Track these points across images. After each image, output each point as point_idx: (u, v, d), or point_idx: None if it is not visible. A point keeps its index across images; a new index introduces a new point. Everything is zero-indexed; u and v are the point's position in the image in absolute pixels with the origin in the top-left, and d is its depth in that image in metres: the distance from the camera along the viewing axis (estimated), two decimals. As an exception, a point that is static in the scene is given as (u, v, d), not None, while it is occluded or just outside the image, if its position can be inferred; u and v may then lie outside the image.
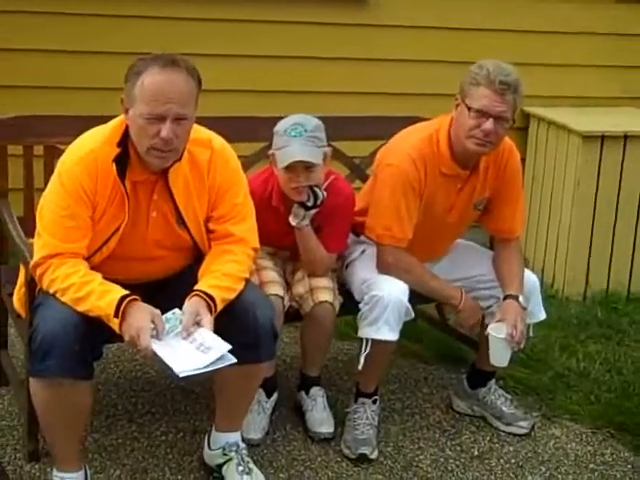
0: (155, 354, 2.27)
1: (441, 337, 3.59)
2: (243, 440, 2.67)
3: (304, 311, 2.86)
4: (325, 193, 2.79)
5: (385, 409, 3.09)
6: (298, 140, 2.72)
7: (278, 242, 2.94)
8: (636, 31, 4.63)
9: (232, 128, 2.90)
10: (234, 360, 2.29)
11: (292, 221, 2.80)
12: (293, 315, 2.89)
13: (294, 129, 2.74)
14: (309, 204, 2.77)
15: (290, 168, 2.73)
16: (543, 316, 3.04)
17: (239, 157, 2.62)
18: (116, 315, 2.27)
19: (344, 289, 2.95)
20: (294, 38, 4.24)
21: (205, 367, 2.27)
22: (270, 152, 2.84)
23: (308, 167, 2.74)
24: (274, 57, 4.21)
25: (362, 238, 2.97)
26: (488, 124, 2.68)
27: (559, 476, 2.80)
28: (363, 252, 2.97)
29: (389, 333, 2.73)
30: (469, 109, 2.69)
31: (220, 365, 2.28)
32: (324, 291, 2.85)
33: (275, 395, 2.99)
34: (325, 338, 2.92)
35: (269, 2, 4.20)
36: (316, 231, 2.87)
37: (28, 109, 3.14)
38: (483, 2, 4.45)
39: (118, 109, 2.39)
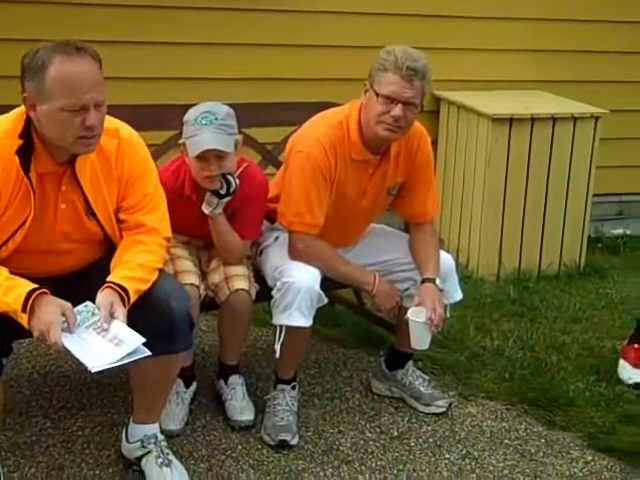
0: (66, 349, 2.22)
1: (360, 321, 3.62)
2: (162, 431, 2.64)
3: (220, 300, 2.84)
4: (238, 181, 2.77)
5: (305, 394, 3.10)
6: (209, 128, 2.69)
7: (192, 231, 2.91)
8: (549, 16, 4.72)
9: (141, 116, 2.86)
10: (148, 353, 2.25)
11: (205, 209, 2.77)
12: (210, 304, 2.87)
13: (204, 117, 2.70)
14: (222, 192, 2.75)
15: (202, 157, 2.70)
16: (460, 296, 3.08)
17: (148, 146, 2.57)
18: (24, 310, 2.21)
19: (259, 276, 2.94)
20: (201, 24, 4.16)
21: (118, 361, 2.22)
22: (180, 141, 2.80)
23: (220, 155, 2.71)
24: (183, 44, 4.13)
25: (276, 225, 2.97)
26: (397, 110, 2.70)
27: (475, 453, 2.86)
28: (277, 239, 2.97)
29: (302, 319, 2.74)
30: (377, 95, 2.70)
31: (134, 358, 2.24)
32: (239, 279, 2.83)
33: (194, 385, 2.97)
34: (242, 326, 2.91)
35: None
36: (229, 219, 2.85)
37: None
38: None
39: (16, 99, 2.30)
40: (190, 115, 2.75)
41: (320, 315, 2.84)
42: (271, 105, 3.50)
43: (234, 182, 2.75)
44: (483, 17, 4.66)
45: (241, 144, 2.83)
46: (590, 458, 2.88)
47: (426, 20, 4.53)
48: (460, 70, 4.65)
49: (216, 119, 2.71)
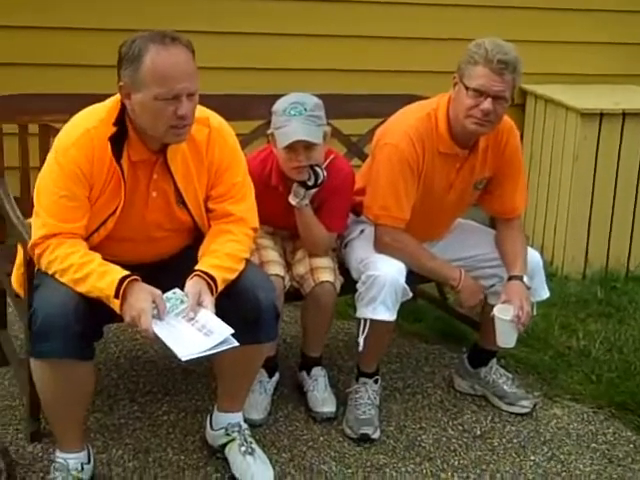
0: (156, 336, 2.25)
1: (442, 316, 3.58)
2: (245, 420, 2.66)
3: (305, 291, 2.84)
4: (325, 172, 2.76)
5: (387, 388, 3.09)
6: (298, 119, 2.69)
7: (277, 222, 2.91)
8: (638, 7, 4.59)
9: (228, 106, 2.87)
10: (236, 344, 2.27)
11: (292, 200, 2.78)
12: (293, 295, 2.87)
13: (293, 108, 2.70)
14: (309, 183, 2.74)
15: (290, 148, 2.70)
16: (547, 295, 3.02)
17: (236, 135, 2.58)
18: (116, 296, 2.25)
19: (343, 268, 2.92)
20: (289, 15, 4.18)
21: (207, 350, 2.24)
22: (269, 132, 2.81)
23: (308, 146, 2.71)
24: (271, 34, 4.15)
25: (362, 218, 2.95)
26: (486, 104, 2.65)
27: (561, 456, 2.80)
28: (362, 232, 2.95)
29: (386, 313, 2.72)
30: (467, 88, 2.66)
31: (222, 348, 2.26)
32: (325, 271, 2.83)
33: (277, 375, 2.98)
34: (326, 318, 2.90)
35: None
36: (316, 211, 2.85)
37: (22, 87, 3.09)
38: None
39: (113, 87, 2.34)
40: (279, 106, 2.75)
41: (402, 309, 2.82)
42: (357, 97, 3.48)
43: (322, 174, 2.75)
44: (572, 9, 4.56)
45: (329, 135, 2.82)
46: (682, 466, 2.79)
47: (515, 12, 4.47)
48: (548, 63, 4.56)
49: (305, 110, 2.70)
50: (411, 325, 3.54)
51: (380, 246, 2.82)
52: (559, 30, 4.55)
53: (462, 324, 3.43)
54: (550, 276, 3.87)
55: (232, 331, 2.27)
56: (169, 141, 2.36)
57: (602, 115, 4.08)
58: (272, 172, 2.83)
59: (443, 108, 2.79)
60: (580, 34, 4.60)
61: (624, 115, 4.09)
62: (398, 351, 3.38)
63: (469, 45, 2.69)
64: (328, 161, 2.81)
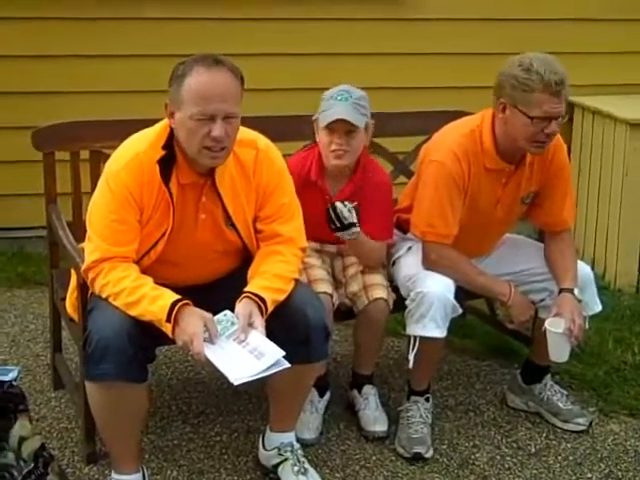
0: (209, 360, 2.27)
1: (492, 332, 3.54)
2: (297, 440, 2.67)
3: (358, 308, 2.84)
4: (354, 212, 2.68)
5: (438, 406, 3.07)
6: (343, 103, 2.76)
7: (321, 227, 2.87)
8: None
9: (276, 127, 2.91)
10: (288, 365, 2.28)
11: (343, 237, 2.74)
12: (344, 313, 2.88)
13: (340, 95, 2.79)
14: (333, 227, 2.70)
15: (331, 129, 2.75)
16: (599, 308, 2.98)
17: (284, 156, 2.61)
18: (168, 320, 2.28)
19: (392, 286, 2.92)
20: (334, 35, 4.24)
21: (259, 373, 2.26)
22: (314, 117, 2.85)
23: (349, 132, 2.76)
24: (315, 55, 4.21)
25: (409, 235, 2.95)
26: (553, 126, 2.64)
27: (619, 473, 2.75)
28: (409, 249, 2.95)
29: (436, 330, 2.71)
30: (529, 117, 2.62)
31: (274, 370, 2.27)
32: (378, 288, 2.83)
33: (328, 394, 2.98)
34: (379, 335, 2.91)
35: (309, 0, 4.19)
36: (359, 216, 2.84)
37: (72, 114, 3.17)
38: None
39: (162, 112, 2.40)
40: (328, 93, 2.83)
41: (452, 326, 2.80)
42: (402, 114, 3.48)
43: (347, 212, 2.67)
44: (617, 19, 4.51)
45: (372, 130, 2.86)
46: None
47: (558, 24, 4.45)
48: (595, 74, 4.52)
49: (351, 97, 2.78)
50: (461, 341, 3.52)
51: (428, 263, 2.82)
52: (604, 40, 4.51)
53: (513, 340, 3.40)
54: (602, 290, 3.82)
55: (283, 353, 2.28)
56: (203, 163, 2.38)
57: (652, 125, 4.03)
58: (312, 166, 2.86)
59: (488, 124, 2.78)
60: (626, 44, 4.54)
61: (675, 125, 4.04)
62: (449, 368, 3.36)
63: (511, 68, 2.64)
64: (364, 160, 2.85)
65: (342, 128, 2.75)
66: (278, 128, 2.95)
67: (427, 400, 2.91)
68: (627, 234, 4.12)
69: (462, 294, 2.84)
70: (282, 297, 2.44)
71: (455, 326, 3.04)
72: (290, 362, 2.29)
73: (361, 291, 2.83)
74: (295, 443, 2.64)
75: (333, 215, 2.68)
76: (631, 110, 4.19)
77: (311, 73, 4.17)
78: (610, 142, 4.20)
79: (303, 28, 4.19)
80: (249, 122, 2.50)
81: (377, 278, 2.86)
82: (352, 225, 2.69)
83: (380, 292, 2.81)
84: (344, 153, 2.78)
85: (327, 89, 2.93)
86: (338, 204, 2.68)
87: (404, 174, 3.42)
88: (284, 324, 2.40)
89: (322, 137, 2.80)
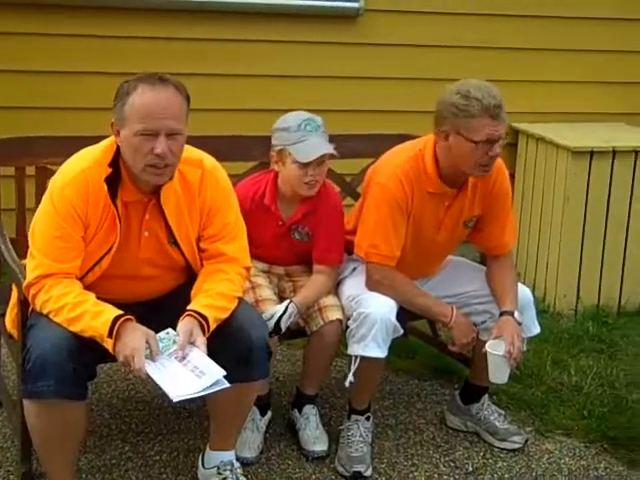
0: (149, 376, 2.27)
1: (434, 353, 3.59)
2: (237, 459, 2.67)
3: (311, 329, 2.86)
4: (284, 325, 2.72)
5: (379, 425, 3.10)
6: (315, 134, 2.80)
7: (271, 251, 2.95)
8: (630, 47, 4.67)
9: (223, 147, 2.93)
10: (228, 385, 2.29)
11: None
12: (292, 333, 2.88)
13: (308, 124, 2.81)
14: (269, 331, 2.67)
15: (305, 163, 2.78)
16: (537, 330, 3.04)
17: (229, 176, 2.63)
18: (110, 335, 2.27)
19: (336, 306, 2.95)
20: (284, 57, 4.29)
21: (199, 392, 2.26)
22: (278, 148, 2.85)
23: (320, 162, 2.81)
24: (265, 76, 4.25)
25: (354, 256, 2.98)
26: (496, 149, 2.69)
27: (553, 491, 2.82)
28: (354, 270, 2.99)
29: (377, 350, 2.74)
30: (474, 142, 2.67)
31: (214, 389, 2.28)
32: (334, 309, 2.86)
33: (269, 413, 2.99)
34: (330, 356, 2.93)
35: (261, 21, 4.24)
36: (310, 239, 2.92)
37: (19, 130, 3.16)
38: (469, 20, 4.48)
39: (109, 129, 2.40)
40: (290, 122, 2.83)
41: (394, 346, 2.84)
42: (349, 137, 3.52)
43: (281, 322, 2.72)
44: (563, 49, 4.64)
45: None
46: (673, 501, 2.80)
47: (504, 52, 4.55)
48: (539, 102, 4.64)
49: (319, 126, 2.82)
50: (403, 362, 3.56)
51: (371, 284, 2.86)
52: (549, 70, 4.63)
53: (454, 361, 3.44)
54: (542, 313, 3.92)
55: (224, 373, 2.29)
56: (148, 180, 2.38)
57: (592, 153, 4.12)
58: (266, 192, 2.89)
59: (430, 148, 2.83)
60: (570, 74, 4.68)
61: (614, 153, 4.14)
62: (390, 388, 3.39)
63: (450, 96, 2.69)
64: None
65: (317, 160, 2.79)
66: (225, 148, 2.98)
67: (367, 419, 2.94)
68: (567, 258, 4.21)
69: (404, 315, 2.88)
70: (225, 315, 2.45)
71: (397, 347, 3.09)
72: (231, 380, 2.30)
73: (316, 312, 2.85)
74: (235, 462, 2.64)
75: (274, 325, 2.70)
76: (573, 137, 4.29)
77: (260, 94, 4.21)
78: (552, 168, 4.30)
79: (252, 49, 4.23)
80: (195, 142, 2.53)
81: (331, 299, 2.90)
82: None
83: (336, 313, 2.84)
84: (316, 183, 2.83)
85: (276, 111, 2.96)
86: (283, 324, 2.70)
87: (351, 196, 3.46)
88: (226, 342, 2.41)
89: (293, 169, 2.81)
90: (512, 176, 4.44)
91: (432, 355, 3.59)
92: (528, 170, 4.53)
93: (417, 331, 3.62)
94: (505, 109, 2.70)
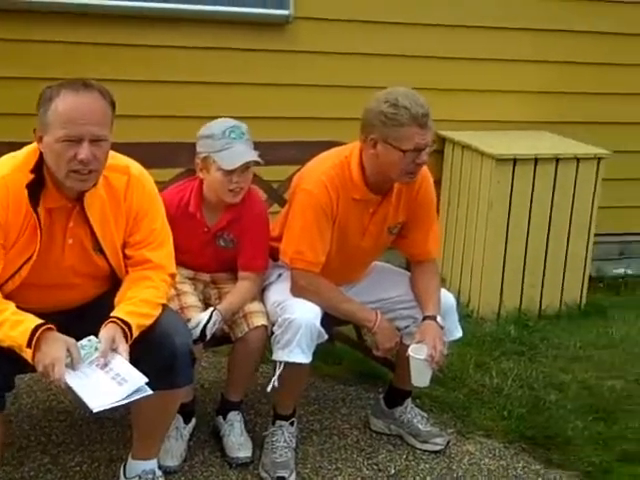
0: (69, 386, 2.24)
1: (360, 358, 3.63)
2: (160, 467, 2.66)
3: (236, 336, 2.86)
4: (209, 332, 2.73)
5: (303, 430, 3.12)
6: (240, 142, 2.81)
7: (196, 257, 2.95)
8: (554, 58, 4.80)
9: (149, 154, 2.90)
10: (150, 392, 2.28)
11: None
12: (217, 339, 2.88)
13: (233, 131, 2.81)
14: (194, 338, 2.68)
15: (230, 170, 2.79)
16: (459, 334, 3.09)
17: (156, 183, 2.63)
18: (29, 345, 2.24)
19: (261, 312, 2.97)
20: (212, 64, 4.27)
21: (120, 400, 2.25)
22: (203, 156, 2.85)
23: (245, 169, 2.82)
24: (192, 83, 4.23)
25: (279, 262, 3.00)
26: (423, 156, 2.73)
27: (472, 491, 2.88)
28: (279, 276, 3.01)
29: (301, 356, 2.76)
30: (402, 151, 2.70)
31: (136, 397, 2.26)
32: (258, 315, 2.87)
33: (193, 421, 2.99)
34: (254, 362, 2.94)
35: (190, 28, 4.22)
36: (235, 246, 2.93)
37: None
38: (396, 29, 4.54)
39: (30, 135, 2.38)
40: (214, 129, 2.83)
41: (320, 352, 2.87)
42: (276, 144, 3.55)
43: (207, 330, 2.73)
44: (489, 58, 4.74)
45: None
46: (587, 497, 2.89)
47: (430, 61, 4.61)
48: (465, 110, 4.71)
49: (243, 133, 2.83)
50: (329, 367, 3.59)
51: (296, 290, 2.88)
52: (473, 79, 4.72)
53: (379, 365, 3.48)
54: (466, 317, 4.01)
55: (146, 380, 2.28)
56: (72, 186, 2.35)
57: (515, 160, 4.23)
58: (191, 199, 2.89)
59: (356, 156, 2.86)
60: (493, 83, 4.77)
61: (536, 160, 4.25)
62: (316, 394, 3.42)
63: (378, 105, 2.71)
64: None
65: (240, 168, 2.80)
66: (151, 155, 2.95)
67: (292, 424, 2.96)
68: (490, 264, 4.30)
69: (330, 321, 2.91)
70: (149, 322, 2.44)
71: (323, 352, 3.12)
72: (155, 387, 2.30)
73: (241, 319, 2.86)
74: (157, 470, 2.63)
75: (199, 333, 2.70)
76: (497, 145, 4.39)
77: (187, 101, 4.19)
78: (477, 175, 4.39)
79: (179, 55, 4.21)
80: (121, 148, 2.51)
81: (256, 305, 2.90)
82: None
83: (261, 319, 2.85)
84: (241, 190, 2.84)
85: (203, 117, 2.96)
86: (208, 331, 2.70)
87: (278, 203, 3.47)
88: (150, 349, 2.40)
89: (218, 176, 2.82)
90: (438, 183, 4.56)
91: (358, 360, 3.63)
92: (454, 177, 4.61)
93: (343, 337, 3.65)
94: (432, 117, 2.76)
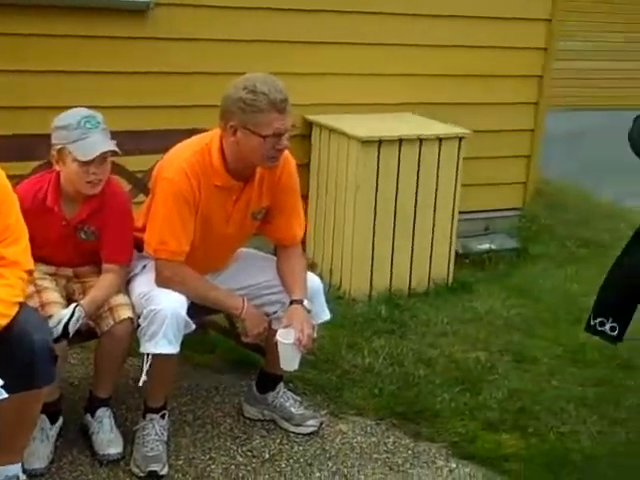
0: None
1: (233, 346, 3.61)
2: (25, 471, 2.59)
3: (101, 330, 2.81)
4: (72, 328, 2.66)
5: (176, 422, 3.10)
6: (96, 131, 2.74)
7: (56, 252, 2.87)
8: (416, 42, 4.90)
9: (2, 147, 2.81)
10: (5, 395, 2.22)
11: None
12: (83, 334, 2.81)
13: (88, 121, 2.75)
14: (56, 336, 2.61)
15: (87, 162, 2.72)
16: (327, 316, 3.13)
17: (13, 177, 2.54)
18: None
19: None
20: (70, 51, 4.14)
21: None
22: (58, 147, 2.77)
23: (103, 160, 2.76)
24: (48, 72, 4.08)
25: (144, 254, 2.96)
26: (284, 141, 2.75)
27: (345, 470, 2.93)
28: (144, 267, 2.97)
29: (168, 346, 2.74)
30: (262, 136, 2.71)
31: None
32: (124, 308, 2.82)
33: (60, 420, 2.91)
34: (122, 356, 2.89)
35: (48, 15, 4.07)
36: (97, 239, 2.88)
37: None
38: (257, 14, 4.53)
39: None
40: (70, 119, 2.76)
41: (193, 342, 2.87)
42: (135, 133, 3.49)
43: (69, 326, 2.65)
44: (353, 42, 4.79)
45: None
46: (454, 466, 2.99)
47: (294, 46, 4.62)
48: (332, 94, 4.75)
49: (99, 123, 2.76)
50: (202, 357, 3.57)
51: (160, 280, 2.84)
52: (337, 62, 4.76)
53: (251, 352, 3.49)
54: (338, 299, 4.08)
55: (1, 382, 2.22)
56: None
57: (381, 142, 4.30)
58: (48, 193, 2.82)
59: (216, 143, 2.85)
60: (360, 66, 4.83)
61: (400, 141, 4.34)
62: (189, 384, 3.39)
63: (236, 91, 2.71)
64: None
65: (98, 158, 2.73)
66: (4, 148, 2.86)
67: (163, 417, 2.93)
68: (359, 246, 4.36)
69: (199, 310, 2.90)
70: (5, 322, 2.36)
71: (196, 342, 3.10)
72: (14, 388, 2.24)
73: (106, 312, 2.80)
74: (21, 475, 2.56)
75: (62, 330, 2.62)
76: (362, 128, 4.44)
77: (42, 91, 4.04)
78: (344, 158, 4.44)
79: (39, 43, 4.05)
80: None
81: (121, 298, 2.85)
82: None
83: (126, 312, 2.81)
84: (100, 181, 2.78)
85: (58, 108, 2.87)
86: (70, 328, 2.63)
87: (143, 193, 3.41)
88: (7, 349, 2.33)
89: (74, 167, 2.75)
90: (306, 167, 4.58)
91: (231, 348, 3.62)
92: (322, 160, 4.65)
93: (216, 325, 3.64)
94: (291, 102, 2.76)
